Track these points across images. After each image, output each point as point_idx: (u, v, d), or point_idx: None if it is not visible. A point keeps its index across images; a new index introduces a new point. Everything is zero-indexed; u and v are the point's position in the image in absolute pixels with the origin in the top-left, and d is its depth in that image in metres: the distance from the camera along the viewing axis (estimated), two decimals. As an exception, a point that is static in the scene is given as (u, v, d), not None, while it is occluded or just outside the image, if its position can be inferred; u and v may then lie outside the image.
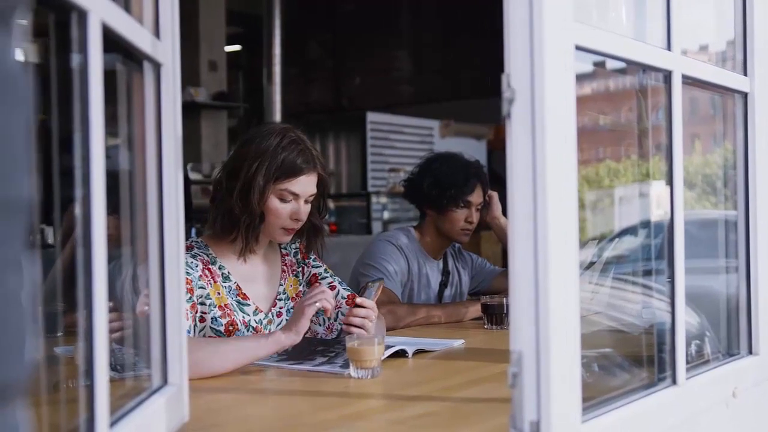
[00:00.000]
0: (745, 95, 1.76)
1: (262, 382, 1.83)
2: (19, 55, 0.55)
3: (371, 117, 7.95)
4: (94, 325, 0.98)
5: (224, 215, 2.16)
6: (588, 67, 1.40)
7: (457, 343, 2.31)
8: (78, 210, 0.98)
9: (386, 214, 7.31)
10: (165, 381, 1.34)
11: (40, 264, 0.68)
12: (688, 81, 1.53)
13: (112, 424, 1.05)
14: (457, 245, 3.15)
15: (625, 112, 2.03)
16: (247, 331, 2.17)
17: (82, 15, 0.97)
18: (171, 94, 1.35)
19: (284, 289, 2.31)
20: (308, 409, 1.62)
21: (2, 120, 0.52)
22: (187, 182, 4.72)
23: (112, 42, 1.08)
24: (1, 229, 0.53)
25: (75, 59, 0.99)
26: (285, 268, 2.34)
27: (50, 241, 2.52)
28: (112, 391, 1.03)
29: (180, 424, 1.37)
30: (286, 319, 2.26)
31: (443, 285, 3.08)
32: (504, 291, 2.92)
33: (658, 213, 1.85)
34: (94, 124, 0.98)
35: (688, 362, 1.51)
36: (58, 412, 1.14)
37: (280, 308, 2.27)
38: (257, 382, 1.83)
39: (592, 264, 1.95)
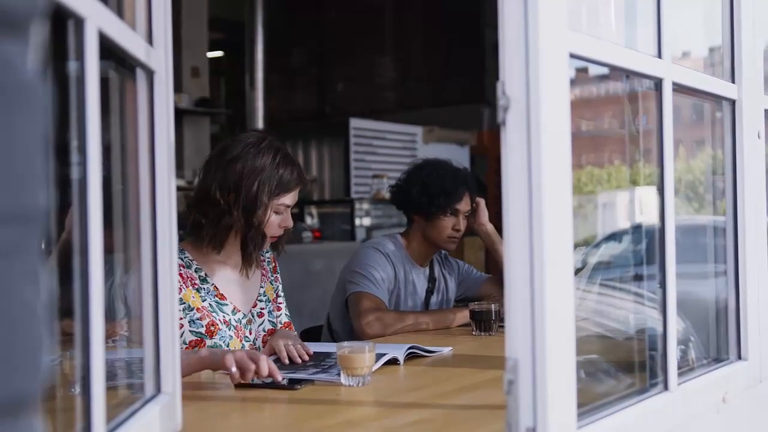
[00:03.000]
0: (732, 102, 1.78)
1: (253, 390, 1.81)
2: (35, 65, 0.55)
3: (354, 123, 7.93)
4: (90, 335, 0.97)
5: (224, 231, 2.21)
6: (571, 73, 1.41)
7: (446, 350, 2.31)
8: (75, 217, 0.97)
9: (370, 221, 7.30)
10: (158, 390, 1.33)
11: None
12: (678, 88, 1.55)
13: (108, 433, 1.04)
14: (443, 252, 3.15)
15: (608, 118, 2.04)
16: (228, 329, 2.21)
17: (79, 22, 0.96)
18: (164, 101, 1.34)
19: (264, 291, 2.38)
20: (301, 417, 1.61)
21: (19, 130, 0.52)
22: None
23: (106, 49, 1.08)
24: (18, 239, 0.53)
25: (71, 66, 0.98)
26: (264, 272, 2.41)
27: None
28: (106, 400, 1.02)
29: (173, 433, 1.36)
30: (268, 320, 2.35)
31: (430, 292, 3.08)
32: (491, 297, 2.93)
33: (643, 219, 1.86)
34: (90, 130, 0.98)
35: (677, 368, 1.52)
36: (52, 421, 1.13)
37: (261, 309, 2.33)
38: (249, 390, 1.82)
39: (578, 270, 1.96)
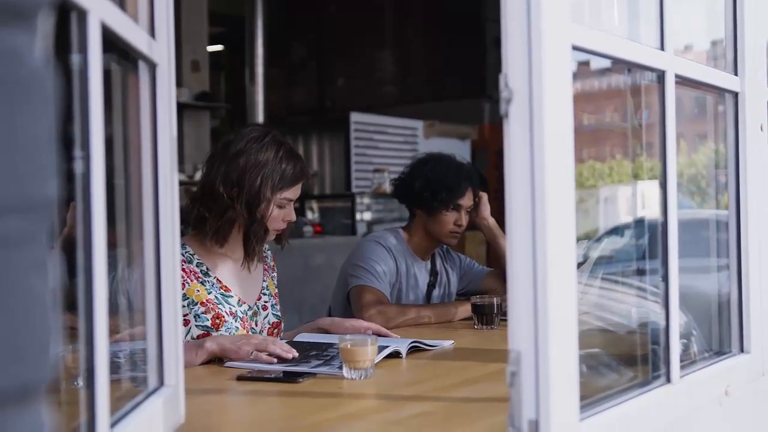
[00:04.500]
0: (735, 95, 1.77)
1: (256, 383, 1.82)
2: (43, 55, 0.55)
3: (355, 117, 7.92)
4: (94, 329, 0.97)
5: (227, 224, 2.22)
6: (573, 66, 1.40)
7: (447, 343, 2.31)
8: (78, 211, 0.97)
9: (371, 215, 7.30)
10: (161, 382, 1.33)
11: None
12: (681, 81, 1.54)
13: (112, 425, 1.04)
14: (445, 245, 3.15)
15: (610, 111, 2.04)
16: (235, 321, 2.22)
17: (82, 14, 0.96)
18: (166, 95, 1.34)
19: (267, 285, 2.40)
20: (303, 410, 1.61)
21: (28, 120, 0.52)
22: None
23: (108, 41, 1.07)
24: (26, 230, 0.53)
25: (74, 59, 0.98)
26: (266, 267, 2.43)
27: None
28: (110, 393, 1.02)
29: (176, 425, 1.36)
30: (272, 314, 2.37)
31: (431, 285, 3.08)
32: (492, 291, 2.93)
33: (645, 212, 1.86)
34: (93, 124, 0.98)
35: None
36: (55, 414, 1.13)
37: (265, 302, 2.36)
38: (252, 383, 1.82)
39: (580, 264, 1.96)
